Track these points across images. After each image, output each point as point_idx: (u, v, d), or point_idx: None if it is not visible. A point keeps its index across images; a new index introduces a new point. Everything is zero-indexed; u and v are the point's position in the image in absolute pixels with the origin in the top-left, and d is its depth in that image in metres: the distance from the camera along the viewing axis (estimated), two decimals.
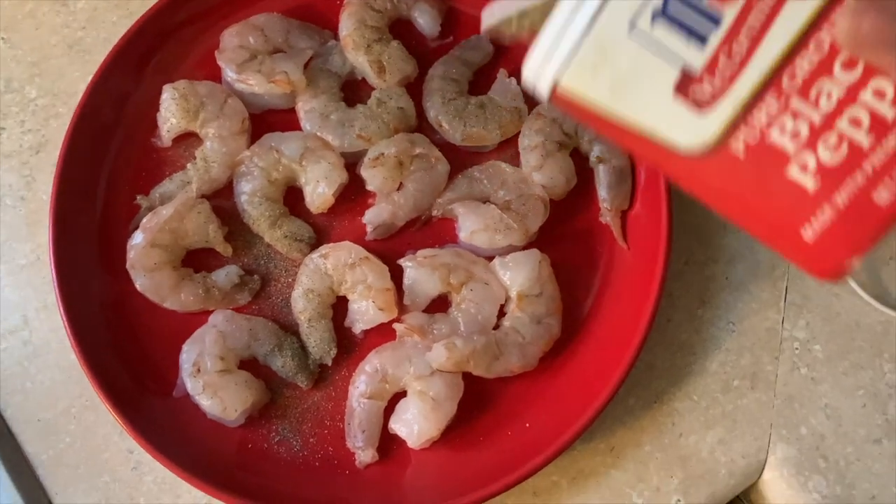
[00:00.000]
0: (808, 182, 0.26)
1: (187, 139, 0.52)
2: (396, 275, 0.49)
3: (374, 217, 0.49)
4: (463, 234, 0.48)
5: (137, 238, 0.48)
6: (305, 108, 0.51)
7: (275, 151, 0.50)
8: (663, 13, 0.26)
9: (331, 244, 0.49)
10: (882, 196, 0.26)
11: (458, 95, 0.51)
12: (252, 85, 0.50)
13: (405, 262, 0.48)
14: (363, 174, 0.49)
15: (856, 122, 0.26)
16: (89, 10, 0.56)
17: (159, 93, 0.51)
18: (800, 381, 0.49)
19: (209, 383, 0.46)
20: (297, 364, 0.47)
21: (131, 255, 0.48)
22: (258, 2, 0.53)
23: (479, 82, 0.52)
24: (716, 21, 0.26)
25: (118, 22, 0.56)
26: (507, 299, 0.47)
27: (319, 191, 0.49)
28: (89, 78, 0.54)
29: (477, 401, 0.47)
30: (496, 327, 0.47)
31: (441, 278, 0.47)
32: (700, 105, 0.26)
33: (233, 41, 0.51)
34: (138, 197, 0.50)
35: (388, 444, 0.47)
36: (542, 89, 0.28)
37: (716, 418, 0.49)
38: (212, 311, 0.48)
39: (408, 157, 0.49)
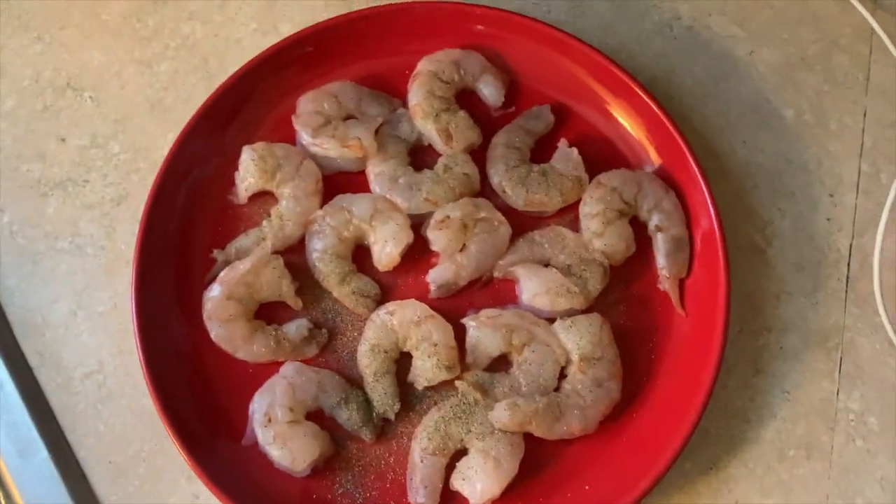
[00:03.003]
0: None
1: (262, 197, 0.55)
2: (458, 333, 0.50)
3: (437, 276, 0.51)
4: (525, 297, 0.50)
5: (215, 290, 0.50)
6: (375, 172, 0.54)
7: (346, 212, 0.52)
8: None
9: (397, 301, 0.51)
10: None
11: (520, 163, 0.53)
12: (326, 148, 0.53)
13: (469, 322, 0.50)
14: (429, 235, 0.52)
15: None
16: (171, 72, 0.60)
17: (237, 152, 0.54)
18: (855, 453, 0.50)
19: (279, 434, 0.47)
20: (363, 417, 0.49)
21: (208, 306, 0.50)
22: (332, 70, 0.56)
23: (539, 150, 0.55)
24: None
25: (198, 83, 0.59)
26: (568, 362, 0.49)
27: (387, 250, 0.51)
28: (169, 135, 0.58)
29: (537, 461, 0.48)
30: (556, 389, 0.49)
31: (503, 338, 0.49)
32: None
33: (308, 106, 0.54)
34: (215, 251, 0.52)
35: (448, 500, 0.48)
36: None
37: (772, 486, 0.49)
38: (281, 363, 0.50)
39: (472, 220, 0.51)
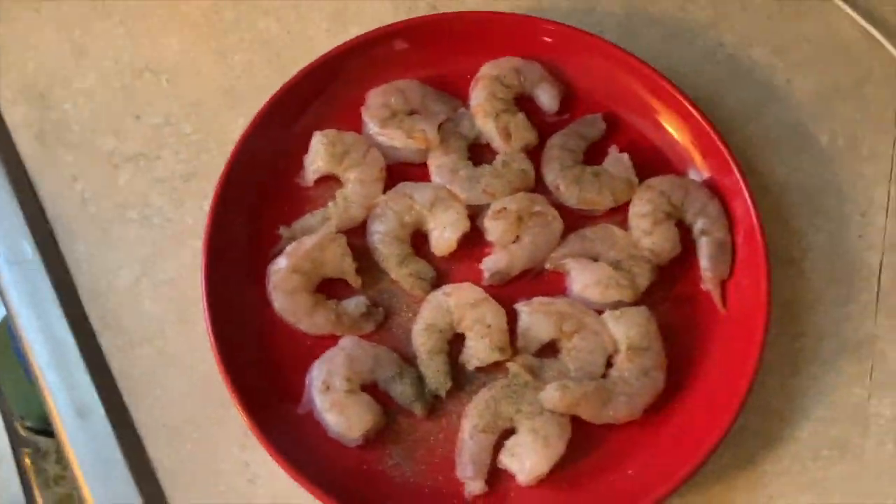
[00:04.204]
0: None
1: (327, 182, 0.57)
2: (509, 320, 0.52)
3: (492, 264, 0.54)
4: (576, 287, 0.53)
5: (281, 263, 0.53)
6: (437, 164, 0.57)
7: (408, 198, 0.55)
8: None
9: (454, 284, 0.53)
10: None
11: (574, 164, 0.56)
12: (392, 139, 0.56)
13: (521, 307, 0.52)
14: (485, 224, 0.54)
15: None
16: (245, 63, 0.63)
17: (305, 138, 0.57)
18: (887, 457, 0.52)
19: (336, 401, 0.49)
20: (415, 392, 0.50)
21: (274, 278, 0.52)
22: (397, 69, 0.60)
23: (590, 155, 0.58)
24: None
25: (270, 75, 0.63)
26: (615, 351, 0.51)
27: (446, 235, 0.54)
28: (240, 120, 0.61)
29: (582, 444, 0.50)
30: (603, 377, 0.51)
31: (554, 325, 0.51)
32: None
33: (377, 100, 0.58)
34: (281, 228, 0.55)
35: (495, 478, 0.49)
36: None
37: (806, 485, 0.51)
38: (337, 337, 0.52)
39: (527, 213, 0.54)
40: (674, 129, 0.58)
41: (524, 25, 0.59)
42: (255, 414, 0.49)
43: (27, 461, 0.76)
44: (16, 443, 0.77)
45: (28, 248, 0.57)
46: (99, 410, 0.53)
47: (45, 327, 0.55)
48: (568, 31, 0.58)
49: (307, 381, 0.51)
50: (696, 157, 0.57)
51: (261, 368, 0.51)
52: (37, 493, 0.76)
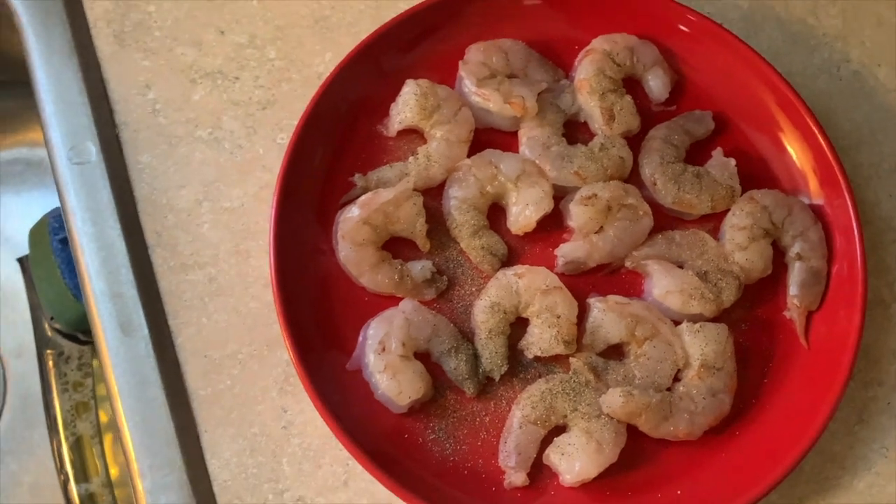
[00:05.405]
0: None
1: (409, 135, 0.54)
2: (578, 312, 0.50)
3: (569, 252, 0.51)
4: (656, 292, 0.50)
5: (353, 212, 0.50)
6: (529, 135, 0.53)
7: (493, 167, 0.52)
8: None
9: (527, 266, 0.50)
10: None
11: (676, 160, 0.53)
12: (487, 100, 0.53)
13: (595, 303, 0.49)
14: (571, 209, 0.51)
15: None
16: None
17: (396, 85, 0.54)
18: None
19: (391, 364, 0.47)
20: (469, 370, 0.48)
21: (344, 226, 0.50)
22: (504, 26, 0.56)
23: (690, 155, 0.54)
24: None
25: (365, 10, 0.59)
26: (686, 365, 0.48)
27: (526, 213, 0.51)
28: (328, 54, 0.58)
29: (633, 455, 0.47)
30: (668, 390, 0.48)
31: (627, 327, 0.48)
32: None
33: (478, 56, 0.54)
34: (356, 175, 0.52)
35: (536, 472, 0.47)
36: None
37: None
38: (397, 299, 0.50)
39: (618, 204, 0.51)
40: (792, 147, 0.53)
41: (663, 7, 0.54)
42: (304, 359, 0.47)
43: (49, 363, 0.75)
44: (41, 341, 0.76)
45: (93, 150, 0.55)
46: (142, 329, 0.51)
47: (99, 234, 0.53)
48: (708, 24, 0.54)
49: (360, 339, 0.49)
50: (812, 181, 0.53)
51: (315, 316, 0.49)
52: (55, 395, 0.75)
